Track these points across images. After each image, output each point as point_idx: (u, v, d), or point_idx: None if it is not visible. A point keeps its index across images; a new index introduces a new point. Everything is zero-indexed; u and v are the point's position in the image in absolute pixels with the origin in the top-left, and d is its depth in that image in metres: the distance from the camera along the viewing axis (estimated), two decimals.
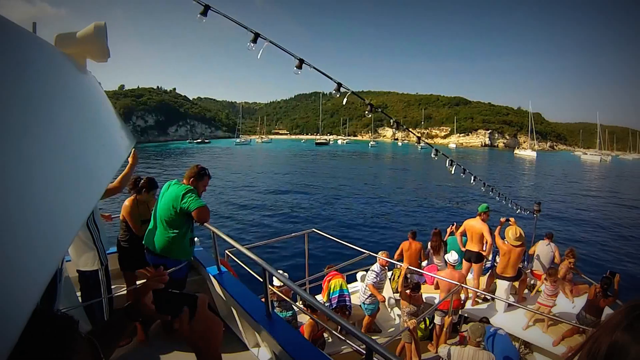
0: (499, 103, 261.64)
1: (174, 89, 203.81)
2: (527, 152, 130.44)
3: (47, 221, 0.56)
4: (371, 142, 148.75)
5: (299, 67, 4.95)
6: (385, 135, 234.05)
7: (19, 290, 0.56)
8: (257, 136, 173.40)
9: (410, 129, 8.13)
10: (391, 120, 6.91)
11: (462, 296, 6.87)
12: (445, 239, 9.45)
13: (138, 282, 4.99)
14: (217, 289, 4.59)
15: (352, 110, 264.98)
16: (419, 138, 7.78)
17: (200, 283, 5.24)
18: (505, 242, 7.48)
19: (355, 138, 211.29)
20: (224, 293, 4.40)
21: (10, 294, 0.53)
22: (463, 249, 8.19)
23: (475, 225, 7.85)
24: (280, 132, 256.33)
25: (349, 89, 5.99)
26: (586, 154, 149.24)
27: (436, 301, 7.37)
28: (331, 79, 5.69)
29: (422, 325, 7.21)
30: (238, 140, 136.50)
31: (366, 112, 6.39)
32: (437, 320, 6.88)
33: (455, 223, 9.75)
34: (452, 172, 7.59)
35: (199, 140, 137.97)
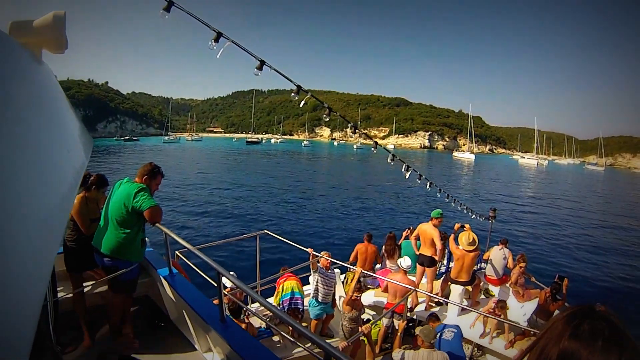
0: (441, 105, 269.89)
1: (106, 82, 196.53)
2: (465, 154, 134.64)
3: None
4: (304, 142, 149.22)
5: (260, 68, 5.02)
6: (322, 135, 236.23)
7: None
8: (188, 134, 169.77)
9: (367, 133, 8.23)
10: (349, 125, 7.09)
11: (410, 300, 7.11)
12: (399, 243, 9.62)
13: (86, 285, 4.89)
14: (168, 291, 4.54)
15: (290, 108, 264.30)
16: (375, 143, 7.93)
17: (150, 285, 5.22)
18: (459, 247, 7.74)
19: (291, 137, 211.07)
20: (175, 296, 4.37)
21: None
22: (417, 253, 8.40)
23: (427, 230, 8.07)
24: (215, 130, 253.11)
25: (307, 92, 6.05)
26: (524, 157, 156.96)
27: (381, 304, 7.69)
28: (291, 81, 5.77)
29: (376, 330, 7.32)
30: (166, 138, 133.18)
31: (324, 115, 6.51)
32: (386, 321, 7.06)
33: (411, 227, 9.91)
34: (407, 177, 7.86)
35: (126, 138, 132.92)
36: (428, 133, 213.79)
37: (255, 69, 5.03)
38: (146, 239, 4.54)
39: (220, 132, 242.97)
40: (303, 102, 6.07)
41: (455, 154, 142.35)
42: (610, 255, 20.35)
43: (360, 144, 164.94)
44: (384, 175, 51.62)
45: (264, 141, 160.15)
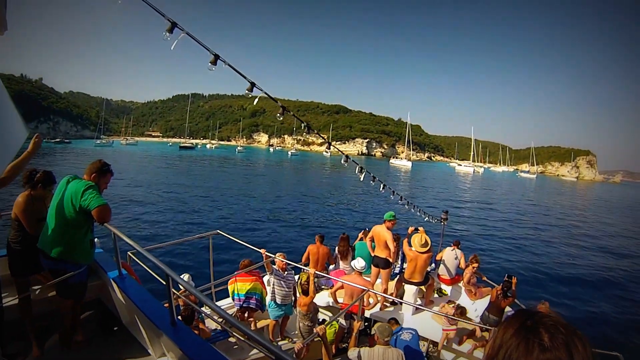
0: (382, 114, 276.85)
1: (40, 78, 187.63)
2: (402, 161, 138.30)
3: None
4: (238, 148, 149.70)
5: (214, 62, 4.80)
6: (260, 141, 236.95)
7: None
8: (122, 138, 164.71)
9: (326, 134, 8.25)
10: (302, 125, 6.86)
11: (371, 301, 7.22)
12: (353, 244, 9.75)
13: (33, 290, 4.69)
14: (119, 294, 4.42)
15: (229, 114, 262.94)
16: (329, 143, 7.90)
17: (100, 288, 5.04)
18: (412, 249, 7.95)
19: (228, 143, 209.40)
20: (125, 299, 4.26)
21: None
22: (372, 254, 8.54)
23: (381, 232, 8.19)
24: (154, 134, 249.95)
25: (261, 89, 5.96)
26: (460, 165, 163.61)
27: (336, 305, 7.80)
28: (245, 77, 5.63)
29: (331, 330, 7.35)
30: (98, 141, 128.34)
31: (278, 114, 6.41)
32: (341, 322, 7.16)
33: (366, 229, 10.02)
34: (362, 179, 7.96)
35: (57, 140, 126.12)
36: (366, 140, 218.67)
37: (209, 64, 4.81)
38: (96, 239, 4.40)
39: (159, 137, 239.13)
40: (257, 100, 6.03)
41: (392, 161, 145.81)
42: (547, 252, 22.83)
43: (296, 150, 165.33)
44: (322, 180, 52.59)
45: (199, 146, 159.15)
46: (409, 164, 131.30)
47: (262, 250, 7.28)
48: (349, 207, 31.51)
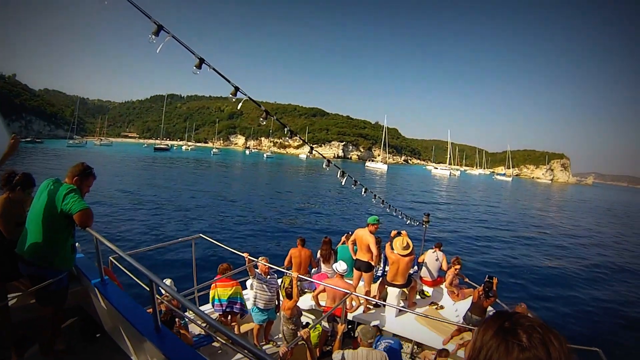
0: (359, 117, 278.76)
1: (14, 75, 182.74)
2: (378, 164, 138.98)
3: None
4: (214, 150, 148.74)
5: (199, 66, 4.79)
6: (237, 143, 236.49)
7: None
8: (96, 138, 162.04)
9: (302, 136, 8.30)
10: (285, 129, 6.92)
11: (353, 304, 7.32)
12: (336, 248, 9.87)
13: (11, 297, 4.51)
14: (101, 300, 4.35)
15: (207, 115, 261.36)
16: (312, 148, 7.97)
17: (82, 295, 4.92)
18: (394, 252, 8.05)
19: (205, 145, 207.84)
20: (108, 305, 4.18)
21: None
22: (354, 258, 8.62)
23: (363, 235, 8.24)
24: (130, 135, 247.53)
25: (245, 94, 5.98)
26: (437, 168, 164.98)
27: (320, 308, 7.84)
28: (229, 81, 5.66)
29: (315, 333, 7.44)
30: (71, 141, 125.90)
31: (261, 118, 6.44)
32: (325, 325, 7.19)
33: (349, 232, 10.07)
34: (343, 183, 8.07)
35: (28, 140, 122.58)
36: (343, 143, 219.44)
37: (194, 67, 4.80)
38: (77, 244, 4.31)
39: (135, 138, 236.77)
40: (240, 104, 6.02)
41: (367, 164, 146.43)
42: (526, 253, 23.63)
43: (271, 153, 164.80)
44: (301, 183, 52.68)
45: (174, 148, 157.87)
46: (385, 167, 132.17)
47: (244, 254, 7.34)
48: (329, 210, 31.73)
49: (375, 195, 9.51)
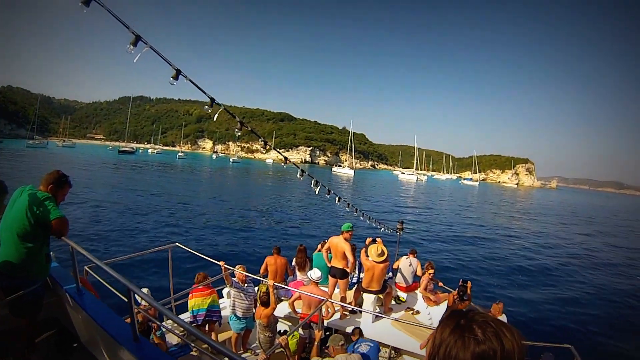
0: (327, 122, 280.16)
1: None
2: (344, 170, 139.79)
3: None
4: (179, 153, 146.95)
5: (175, 77, 4.90)
6: (204, 147, 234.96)
7: None
8: (59, 139, 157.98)
9: (269, 141, 8.45)
10: (260, 139, 7.02)
11: (329, 310, 7.46)
12: (311, 255, 10.03)
13: None
14: (77, 311, 4.27)
15: (175, 119, 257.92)
16: (286, 159, 8.08)
17: (57, 305, 4.81)
18: (369, 258, 8.22)
19: (173, 148, 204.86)
20: (84, 315, 4.09)
21: None
22: (329, 265, 8.78)
23: (338, 243, 8.42)
24: (96, 136, 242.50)
25: (221, 105, 6.06)
26: (404, 173, 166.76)
27: (296, 315, 7.95)
28: (205, 93, 5.78)
29: (293, 340, 7.53)
30: (31, 142, 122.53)
31: (236, 129, 6.51)
32: (302, 332, 7.35)
33: (325, 240, 10.27)
34: (317, 192, 8.26)
35: None
36: (310, 148, 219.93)
37: (171, 78, 4.91)
38: (51, 253, 4.24)
39: (102, 140, 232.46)
40: (216, 115, 6.10)
41: (334, 169, 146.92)
42: (498, 255, 24.54)
43: (238, 157, 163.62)
44: (268, 189, 52.84)
45: (140, 151, 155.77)
46: (351, 172, 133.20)
47: (221, 263, 7.40)
48: (300, 217, 31.77)
49: (348, 204, 9.73)
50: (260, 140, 6.99)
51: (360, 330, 7.17)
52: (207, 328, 7.32)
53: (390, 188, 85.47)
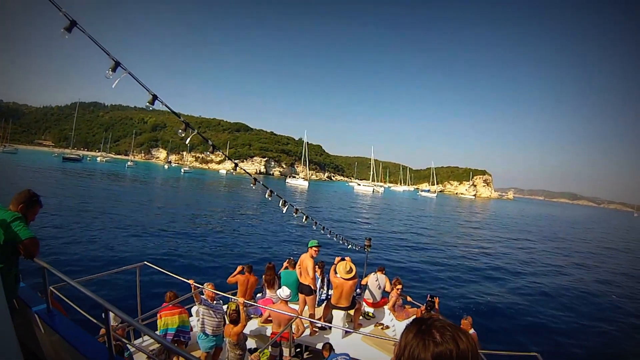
0: (283, 133, 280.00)
1: None
2: (299, 181, 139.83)
3: None
4: (129, 163, 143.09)
5: (152, 102, 5.15)
6: (158, 157, 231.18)
7: None
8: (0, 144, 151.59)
9: (224, 151, 8.65)
10: (209, 142, 7.17)
11: (298, 328, 7.73)
12: (279, 273, 10.24)
13: None
14: (48, 332, 4.11)
15: (129, 126, 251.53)
16: (253, 178, 8.40)
17: (25, 326, 4.48)
18: (337, 276, 8.57)
19: (125, 157, 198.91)
20: (56, 338, 3.97)
21: None
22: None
23: (304, 260, 8.81)
24: (45, 142, 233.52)
25: (194, 129, 6.26)
26: (360, 185, 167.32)
27: (267, 333, 8.22)
28: (179, 117, 6.00)
29: (264, 358, 7.59)
30: None
31: (180, 130, 6.60)
32: (272, 350, 7.49)
33: (291, 257, 10.56)
34: (284, 211, 8.60)
35: None
36: (265, 159, 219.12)
37: (148, 103, 5.14)
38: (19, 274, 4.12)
39: (50, 146, 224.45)
40: (189, 140, 6.22)
41: (288, 180, 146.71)
42: (463, 267, 25.38)
43: (189, 167, 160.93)
44: (224, 201, 52.92)
45: (88, 159, 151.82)
46: (306, 183, 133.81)
47: (190, 281, 7.58)
48: (258, 231, 31.56)
49: (315, 222, 10.08)
50: (210, 144, 7.11)
51: (331, 346, 7.35)
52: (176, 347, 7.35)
53: (345, 200, 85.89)
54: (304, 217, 9.57)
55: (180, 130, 5.99)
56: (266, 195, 8.17)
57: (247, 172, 8.83)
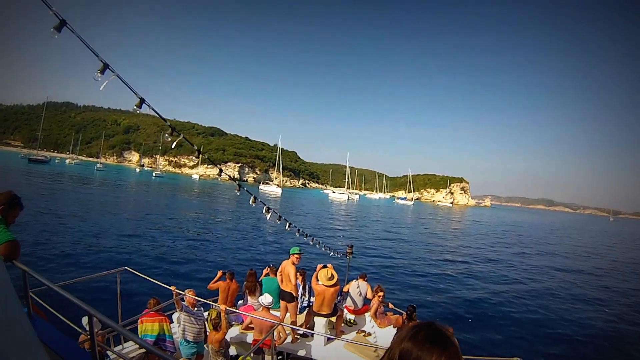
0: (258, 139, 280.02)
1: None
2: (272, 187, 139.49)
3: None
4: (98, 165, 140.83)
5: (139, 106, 5.26)
6: (130, 160, 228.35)
7: None
8: None
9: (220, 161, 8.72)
10: (194, 148, 7.33)
11: (281, 335, 7.81)
12: (260, 280, 10.33)
13: None
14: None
15: (102, 128, 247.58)
16: (240, 185, 8.48)
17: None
18: (319, 283, 8.67)
19: (97, 160, 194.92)
20: (36, 343, 3.84)
21: None
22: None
23: (285, 267, 8.87)
24: (14, 143, 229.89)
25: (180, 134, 6.34)
26: (334, 192, 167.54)
27: (248, 340, 8.29)
28: (165, 121, 6.10)
29: None
30: None
31: (166, 134, 6.53)
32: (254, 358, 7.68)
33: (271, 265, 10.71)
34: (268, 218, 8.72)
35: None
36: (239, 165, 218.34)
37: (135, 106, 5.26)
38: None
39: (18, 147, 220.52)
40: (175, 144, 6.35)
41: (261, 187, 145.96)
42: (443, 273, 25.91)
43: (161, 171, 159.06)
44: (195, 205, 52.63)
45: (57, 161, 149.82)
46: (279, 190, 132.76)
47: (172, 287, 7.64)
48: (241, 238, 31.77)
49: (298, 230, 10.21)
50: (196, 150, 7.24)
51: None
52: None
53: (319, 207, 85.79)
54: (287, 224, 9.67)
55: (166, 135, 6.07)
56: (250, 202, 8.33)
57: (232, 178, 8.94)
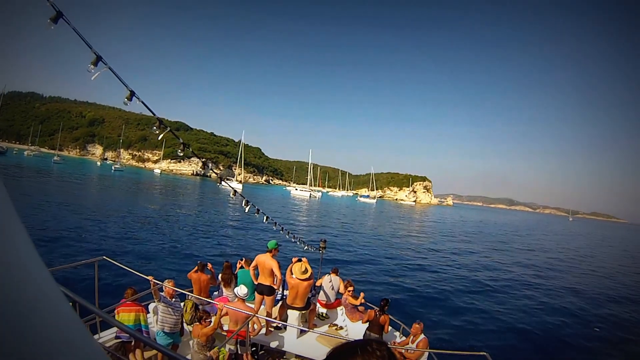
0: (223, 134, 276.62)
1: None
2: (232, 184, 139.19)
3: None
4: (55, 158, 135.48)
5: (129, 98, 5.37)
6: (94, 154, 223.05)
7: None
8: None
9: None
10: (180, 141, 7.21)
11: (255, 327, 7.98)
12: (235, 272, 10.52)
13: None
14: None
15: (67, 120, 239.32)
16: (221, 176, 8.64)
17: None
18: (293, 276, 8.93)
19: (60, 152, 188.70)
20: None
21: None
22: (256, 282, 9.34)
23: (266, 261, 9.01)
24: None
25: (167, 127, 6.48)
26: (297, 189, 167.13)
27: (223, 333, 8.38)
28: (153, 114, 6.25)
29: (222, 356, 7.69)
30: None
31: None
32: (230, 348, 7.85)
33: (244, 258, 10.92)
34: (247, 210, 8.93)
35: None
36: (202, 160, 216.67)
37: (126, 99, 5.35)
38: None
39: None
40: (161, 136, 6.49)
41: (222, 183, 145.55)
42: (409, 271, 26.19)
43: (120, 165, 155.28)
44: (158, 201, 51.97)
45: (15, 152, 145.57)
46: (240, 186, 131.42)
47: (149, 277, 7.72)
48: (215, 231, 32.55)
49: (275, 223, 10.48)
50: (181, 144, 7.12)
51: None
52: (132, 345, 7.38)
53: (279, 205, 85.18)
54: (265, 217, 9.92)
55: (154, 127, 6.16)
56: (231, 195, 8.53)
57: (215, 172, 9.14)
